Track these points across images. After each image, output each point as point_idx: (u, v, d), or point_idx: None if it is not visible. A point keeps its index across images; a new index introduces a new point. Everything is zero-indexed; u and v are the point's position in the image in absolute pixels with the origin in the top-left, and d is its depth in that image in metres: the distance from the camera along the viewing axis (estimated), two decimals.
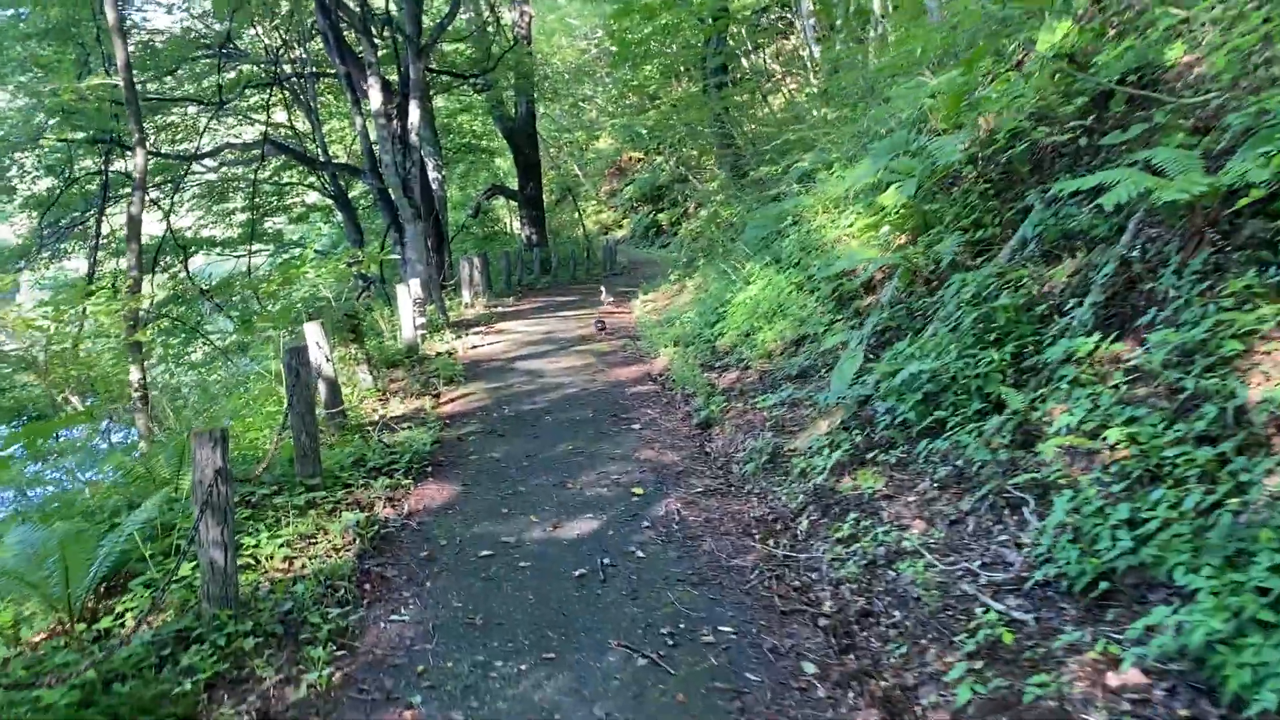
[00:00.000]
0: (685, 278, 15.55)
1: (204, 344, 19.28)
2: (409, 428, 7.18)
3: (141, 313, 17.71)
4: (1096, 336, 4.32)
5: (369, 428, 7.18)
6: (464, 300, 16.24)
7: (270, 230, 25.03)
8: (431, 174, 18.74)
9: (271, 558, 4.48)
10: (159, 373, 18.41)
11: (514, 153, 23.77)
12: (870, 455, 5.18)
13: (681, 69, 22.68)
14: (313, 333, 6.93)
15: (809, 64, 18.31)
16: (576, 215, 31.15)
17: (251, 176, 21.45)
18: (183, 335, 19.27)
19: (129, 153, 18.72)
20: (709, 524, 5.11)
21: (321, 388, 7.03)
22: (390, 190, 15.74)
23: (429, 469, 6.33)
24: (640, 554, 4.71)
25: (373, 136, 16.15)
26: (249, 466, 5.53)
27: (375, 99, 15.29)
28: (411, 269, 15.20)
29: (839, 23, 16.47)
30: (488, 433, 7.35)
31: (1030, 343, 4.86)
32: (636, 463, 6.33)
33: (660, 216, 29.42)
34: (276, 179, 23.92)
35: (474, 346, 11.72)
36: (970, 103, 6.92)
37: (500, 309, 15.96)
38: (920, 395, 5.05)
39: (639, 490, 5.71)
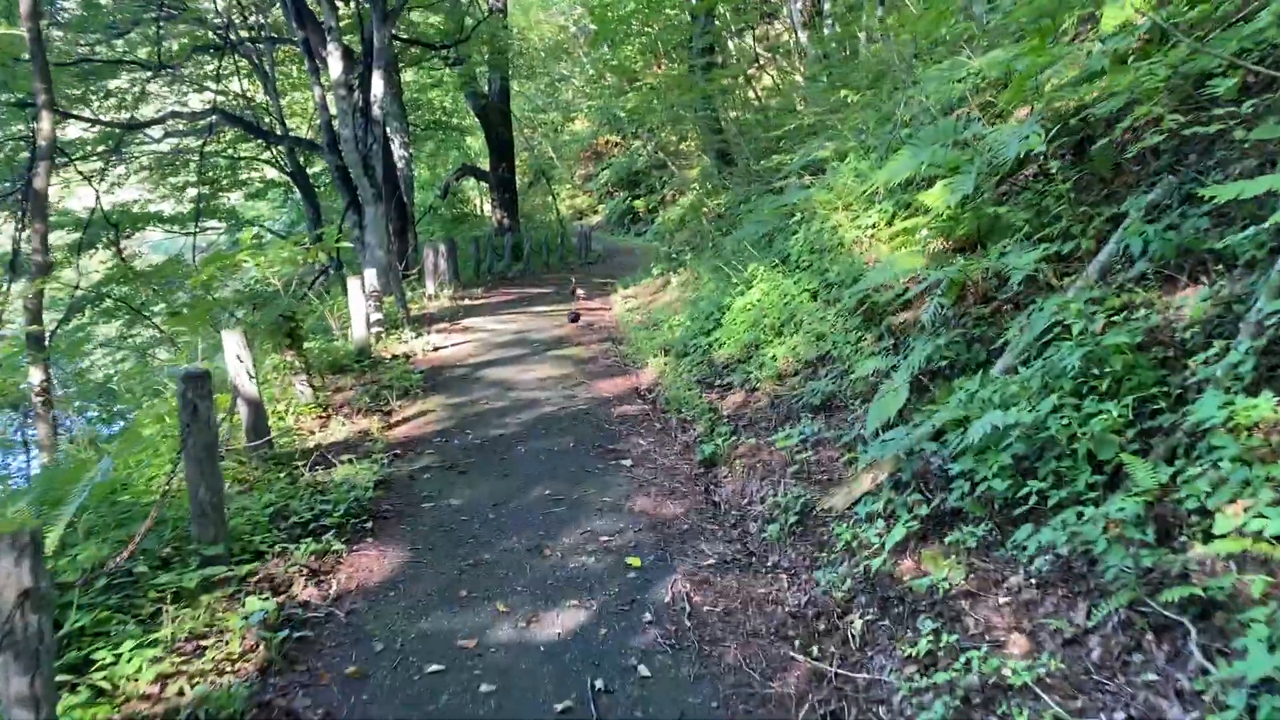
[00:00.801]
0: (669, 272, 14.35)
1: (148, 327, 17.91)
2: (350, 460, 5.89)
3: (78, 294, 16.30)
4: (1271, 397, 3.17)
5: (300, 461, 5.87)
6: (427, 291, 14.85)
7: (225, 206, 23.52)
8: (397, 151, 17.36)
9: (136, 678, 3.22)
10: (96, 359, 16.97)
11: (486, 132, 22.38)
12: (938, 531, 4.02)
13: (663, 49, 21.43)
14: (232, 344, 5.62)
15: (795, 50, 17.24)
16: (550, 199, 29.85)
17: (203, 149, 19.92)
18: (125, 317, 17.89)
19: (66, 119, 17.19)
20: (729, 619, 3.93)
21: (242, 410, 5.75)
22: (350, 168, 14.36)
23: (369, 524, 5.03)
24: (644, 670, 3.51)
25: (332, 110, 14.74)
26: (134, 527, 4.25)
27: (335, 67, 13.90)
28: (370, 255, 13.84)
29: (827, 6, 15.43)
30: (446, 468, 6.07)
31: (1155, 395, 3.72)
32: (630, 517, 5.11)
33: (637, 203, 28.32)
34: (231, 152, 22.40)
35: (436, 348, 10.40)
36: (1036, 85, 5.77)
37: (468, 301, 14.62)
38: (1008, 458, 3.90)
39: (635, 561, 4.50)
